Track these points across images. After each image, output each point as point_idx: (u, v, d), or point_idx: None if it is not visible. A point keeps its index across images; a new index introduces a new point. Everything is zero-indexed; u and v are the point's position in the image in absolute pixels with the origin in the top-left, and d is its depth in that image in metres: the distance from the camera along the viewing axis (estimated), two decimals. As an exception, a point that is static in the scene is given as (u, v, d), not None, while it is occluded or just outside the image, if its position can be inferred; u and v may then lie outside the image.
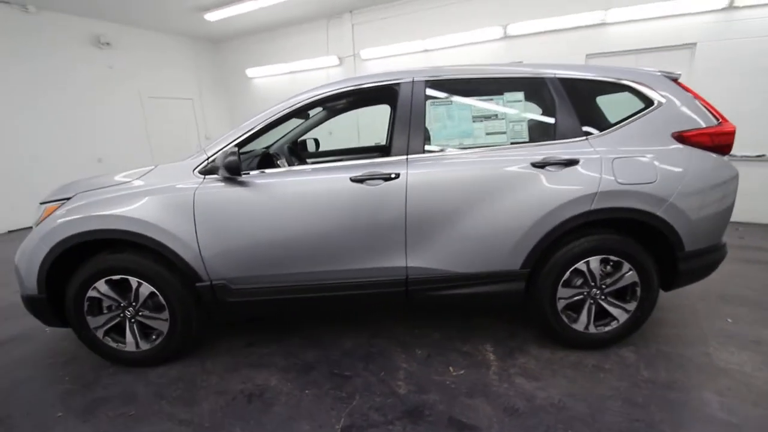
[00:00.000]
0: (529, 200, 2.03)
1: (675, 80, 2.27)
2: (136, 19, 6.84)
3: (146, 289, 2.12)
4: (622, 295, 2.22)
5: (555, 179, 2.03)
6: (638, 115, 2.15)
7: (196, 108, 8.47)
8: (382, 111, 3.62)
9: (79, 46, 6.59)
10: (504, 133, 2.13)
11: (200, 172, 2.09)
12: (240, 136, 2.10)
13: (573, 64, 2.27)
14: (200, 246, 2.04)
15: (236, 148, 1.97)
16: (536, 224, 2.03)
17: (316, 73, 7.53)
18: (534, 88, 2.19)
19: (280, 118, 2.17)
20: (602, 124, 2.20)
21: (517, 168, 2.03)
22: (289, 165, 2.63)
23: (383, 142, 3.83)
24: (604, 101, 2.32)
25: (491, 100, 2.15)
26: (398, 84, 2.16)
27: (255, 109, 8.30)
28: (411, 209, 2.02)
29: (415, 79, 2.15)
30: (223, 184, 2.05)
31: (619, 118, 2.18)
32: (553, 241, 2.07)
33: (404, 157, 2.06)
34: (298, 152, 3.09)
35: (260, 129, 2.15)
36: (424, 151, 2.08)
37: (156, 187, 2.06)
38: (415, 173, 2.02)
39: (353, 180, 2.01)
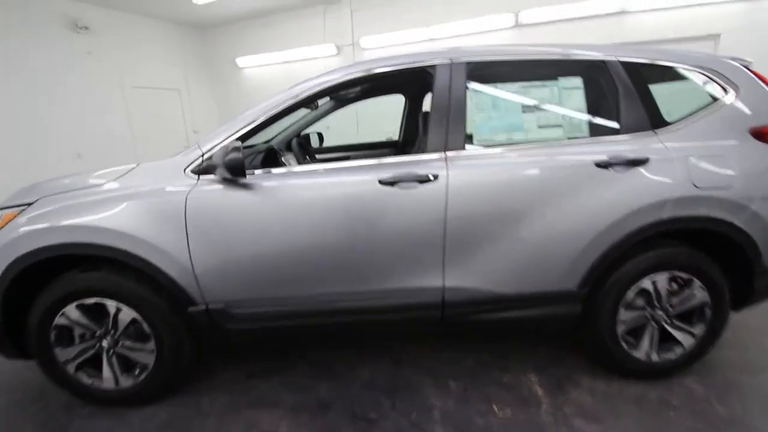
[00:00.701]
0: (591, 208, 1.70)
1: (747, 67, 1.96)
2: (117, 2, 6.31)
3: (127, 314, 1.74)
4: (687, 317, 1.91)
5: (621, 182, 1.70)
6: (711, 106, 1.84)
7: (183, 99, 7.96)
8: (385, 102, 3.26)
9: (54, 30, 6.05)
10: (560, 126, 1.79)
11: (193, 172, 1.71)
12: (242, 128, 1.72)
13: (634, 46, 1.93)
14: (193, 263, 1.66)
15: (239, 143, 1.60)
16: (599, 236, 1.71)
17: (312, 63, 7.09)
18: (592, 73, 1.85)
19: (287, 108, 1.80)
20: (667, 116, 1.88)
21: (577, 169, 1.70)
22: (299, 162, 2.25)
23: (394, 137, 3.47)
24: (662, 90, 2.00)
25: (544, 86, 1.81)
26: (433, 67, 1.79)
27: (246, 101, 7.82)
28: (452, 218, 1.67)
29: (454, 61, 1.79)
30: (221, 186, 1.67)
31: (687, 109, 1.87)
32: (617, 256, 1.75)
33: (442, 154, 1.71)
34: (306, 147, 2.68)
35: (265, 121, 1.77)
36: (465, 148, 1.73)
37: (138, 191, 1.67)
38: (456, 174, 1.67)
39: (383, 182, 1.65)
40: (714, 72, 1.87)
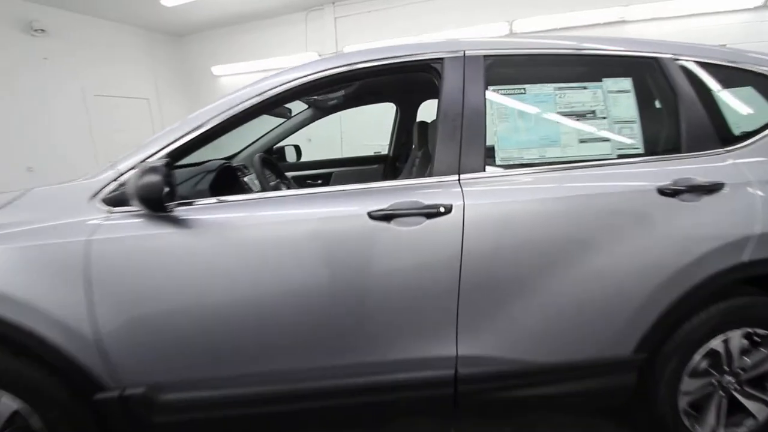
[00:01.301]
0: (654, 248, 1.27)
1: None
2: (78, 4, 5.78)
3: (7, 405, 1.20)
4: (760, 382, 1.50)
5: (691, 215, 1.28)
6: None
7: (152, 109, 7.40)
8: (375, 111, 2.84)
9: (4, 31, 5.46)
10: (606, 140, 1.37)
11: (105, 202, 1.21)
12: (174, 141, 1.23)
13: (692, 43, 1.54)
14: (100, 333, 1.15)
15: (164, 162, 1.10)
16: (664, 285, 1.28)
17: (292, 72, 6.66)
18: (643, 74, 1.45)
19: (246, 111, 1.33)
20: (736, 130, 1.50)
21: (636, 197, 1.28)
22: (263, 186, 1.76)
23: (383, 151, 3.03)
24: (725, 98, 1.62)
25: (584, 89, 1.39)
26: (440, 61, 1.35)
27: (222, 112, 7.29)
28: (468, 264, 1.21)
29: (468, 54, 1.35)
30: (142, 221, 1.18)
31: (757, 122, 1.49)
32: (685, 311, 1.32)
33: (455, 177, 1.26)
34: (274, 165, 2.17)
35: (212, 129, 1.30)
36: (485, 170, 1.29)
37: (19, 230, 1.16)
38: (475, 205, 1.22)
39: (373, 216, 1.19)
40: (785, 76, 1.49)
